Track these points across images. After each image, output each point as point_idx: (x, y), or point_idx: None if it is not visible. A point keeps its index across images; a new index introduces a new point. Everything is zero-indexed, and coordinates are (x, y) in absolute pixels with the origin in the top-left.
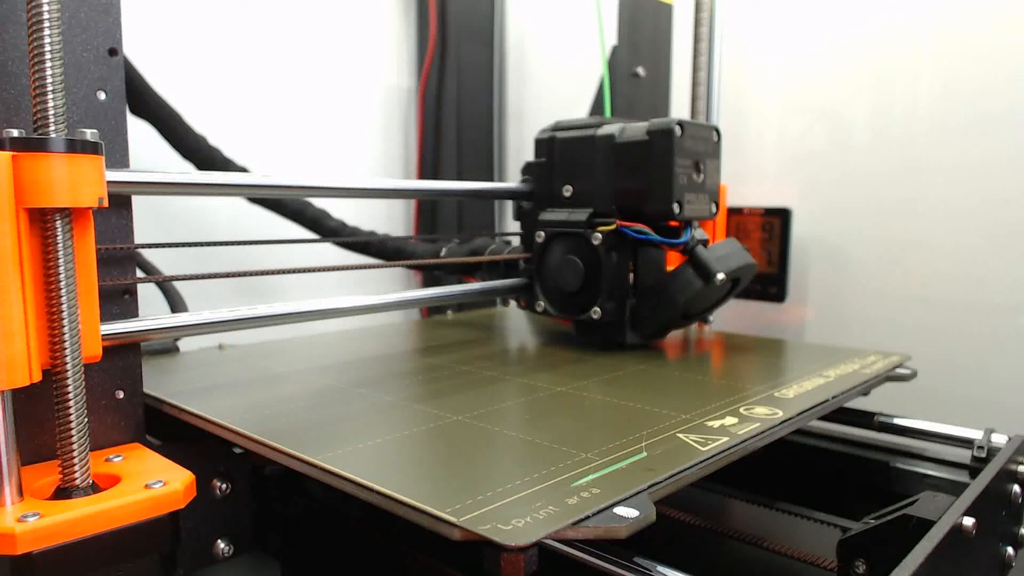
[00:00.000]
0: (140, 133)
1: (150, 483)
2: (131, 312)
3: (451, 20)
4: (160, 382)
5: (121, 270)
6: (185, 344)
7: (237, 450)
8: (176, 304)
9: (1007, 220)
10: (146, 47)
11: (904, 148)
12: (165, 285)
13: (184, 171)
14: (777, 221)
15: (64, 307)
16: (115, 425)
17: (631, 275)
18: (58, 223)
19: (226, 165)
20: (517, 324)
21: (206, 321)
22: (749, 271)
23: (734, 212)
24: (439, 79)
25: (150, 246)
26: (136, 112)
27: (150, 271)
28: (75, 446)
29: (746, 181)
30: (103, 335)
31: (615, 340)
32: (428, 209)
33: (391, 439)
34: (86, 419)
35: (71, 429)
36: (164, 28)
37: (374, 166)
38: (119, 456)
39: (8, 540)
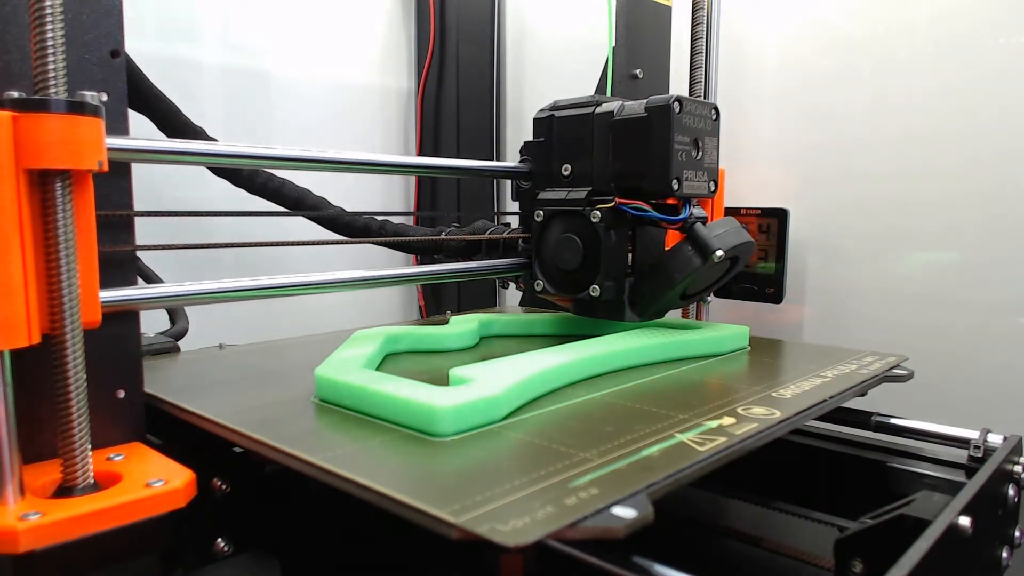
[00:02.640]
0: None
1: (151, 482)
2: (129, 280)
3: (450, 22)
4: (161, 381)
5: (120, 238)
6: (185, 344)
7: (237, 449)
8: (174, 311)
9: (1004, 220)
10: (147, 47)
11: (901, 148)
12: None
13: (183, 141)
14: (774, 221)
15: (63, 270)
16: (116, 424)
17: (630, 255)
18: (58, 185)
19: None
20: None
21: (207, 291)
22: (748, 249)
23: (731, 212)
24: (438, 80)
25: (150, 214)
26: (134, 106)
27: (148, 276)
28: (75, 432)
29: (744, 181)
30: (102, 302)
31: (614, 319)
32: (427, 194)
33: (390, 439)
34: (84, 390)
35: (70, 399)
36: (165, 26)
37: (372, 177)
38: (120, 455)
39: (10, 538)
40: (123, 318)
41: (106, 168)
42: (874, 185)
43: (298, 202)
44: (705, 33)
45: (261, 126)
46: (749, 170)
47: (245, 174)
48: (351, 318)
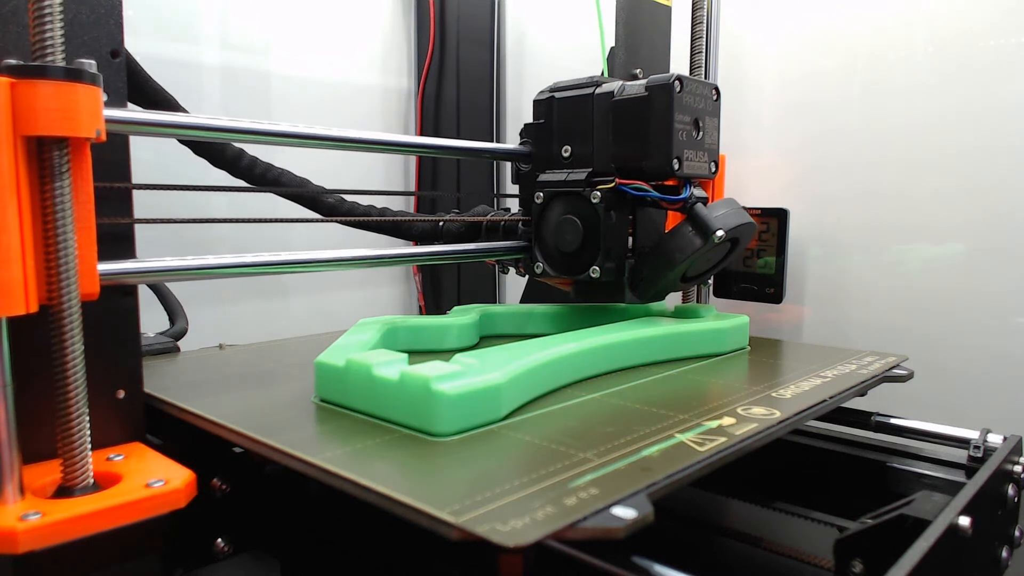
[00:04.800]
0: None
1: (151, 482)
2: (128, 254)
3: (450, 23)
4: (161, 381)
5: (119, 211)
6: (185, 344)
7: (237, 449)
8: (174, 311)
9: (1004, 222)
10: (147, 47)
11: (901, 149)
12: (163, 292)
13: (183, 115)
14: (774, 222)
15: (60, 239)
16: (116, 424)
17: (630, 237)
18: (55, 153)
19: (223, 146)
20: None
21: (207, 265)
22: (749, 231)
23: None
24: (438, 81)
25: (150, 188)
26: (133, 99)
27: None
28: (75, 432)
29: (743, 181)
30: (100, 274)
31: (614, 301)
32: (428, 182)
33: (390, 439)
34: (84, 373)
35: (69, 374)
36: (165, 26)
37: (373, 165)
38: (120, 455)
39: (10, 539)
40: (123, 303)
41: (103, 138)
42: (874, 186)
43: (298, 195)
44: (705, 33)
45: None
46: (749, 170)
47: (244, 164)
48: (350, 319)
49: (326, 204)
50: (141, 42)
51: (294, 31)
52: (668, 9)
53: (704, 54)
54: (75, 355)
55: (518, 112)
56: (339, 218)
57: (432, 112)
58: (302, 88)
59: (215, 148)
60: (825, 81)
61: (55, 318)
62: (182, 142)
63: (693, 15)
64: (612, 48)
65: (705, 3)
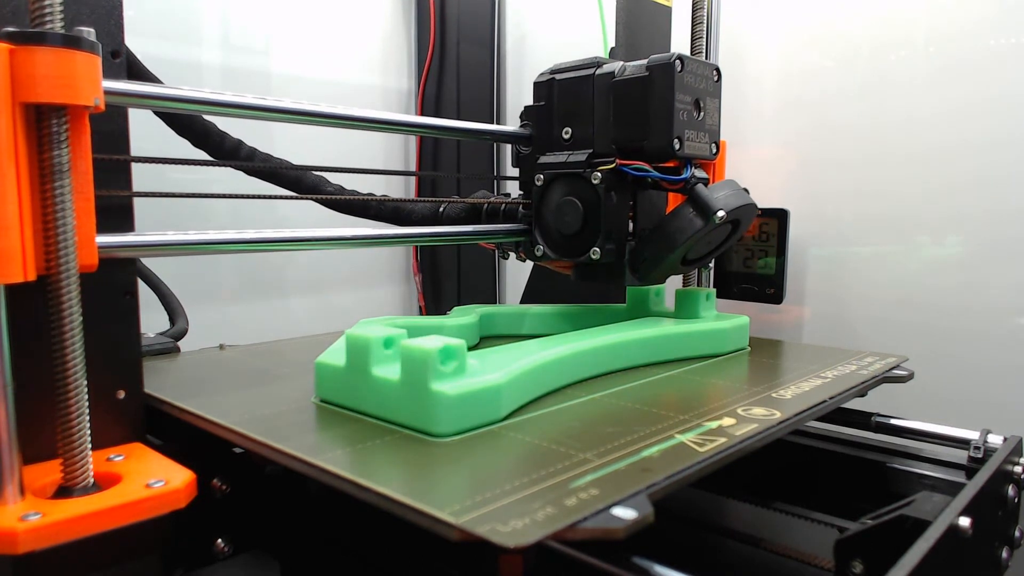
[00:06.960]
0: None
1: (151, 482)
2: (127, 227)
3: (451, 22)
4: (161, 382)
5: (117, 183)
6: (185, 344)
7: (237, 450)
8: (174, 311)
9: (1003, 223)
10: (147, 47)
11: (902, 151)
12: (163, 292)
13: (184, 86)
14: (775, 222)
15: (59, 208)
16: (116, 424)
17: (631, 220)
18: (54, 121)
19: (221, 138)
20: None
21: (208, 240)
22: (750, 213)
23: None
24: (438, 81)
25: (149, 161)
26: None
27: (145, 276)
28: (75, 433)
29: (743, 182)
30: (99, 246)
31: (615, 283)
32: (428, 165)
33: (390, 440)
34: (81, 339)
35: (67, 350)
36: (165, 26)
37: (374, 155)
38: (120, 455)
39: (10, 539)
40: (123, 303)
41: (103, 107)
42: (876, 186)
43: (298, 181)
44: (705, 33)
45: (260, 126)
46: (750, 169)
47: (242, 154)
48: (350, 319)
49: (326, 192)
50: (142, 42)
51: (294, 31)
52: (668, 9)
53: (704, 51)
54: (74, 328)
55: (518, 112)
56: (338, 197)
57: (432, 112)
58: (302, 88)
59: (213, 139)
60: (827, 79)
61: (53, 288)
62: (181, 134)
63: (693, 15)
64: (612, 48)
65: (705, 3)
